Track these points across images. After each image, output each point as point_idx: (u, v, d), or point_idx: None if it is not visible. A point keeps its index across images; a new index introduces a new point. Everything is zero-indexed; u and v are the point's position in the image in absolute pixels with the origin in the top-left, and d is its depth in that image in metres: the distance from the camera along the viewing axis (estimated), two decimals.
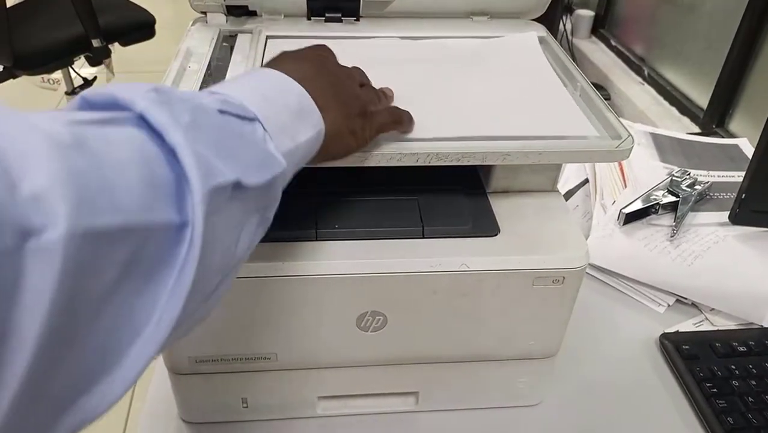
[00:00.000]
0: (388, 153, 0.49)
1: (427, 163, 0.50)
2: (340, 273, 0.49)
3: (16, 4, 2.07)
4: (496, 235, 0.53)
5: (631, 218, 0.82)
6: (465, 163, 0.51)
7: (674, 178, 0.86)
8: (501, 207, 0.55)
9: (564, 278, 0.52)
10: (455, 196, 0.56)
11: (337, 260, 0.50)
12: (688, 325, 0.73)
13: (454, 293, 0.51)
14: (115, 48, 2.04)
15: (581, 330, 0.71)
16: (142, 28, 2.06)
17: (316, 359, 0.55)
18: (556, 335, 0.56)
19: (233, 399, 0.58)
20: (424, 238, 0.52)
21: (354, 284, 0.50)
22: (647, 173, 0.91)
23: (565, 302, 0.54)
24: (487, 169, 0.56)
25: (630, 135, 0.51)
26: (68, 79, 2.20)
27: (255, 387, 0.57)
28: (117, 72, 2.14)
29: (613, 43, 2.40)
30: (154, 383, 0.63)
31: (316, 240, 0.51)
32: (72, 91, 2.20)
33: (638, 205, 0.82)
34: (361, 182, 0.54)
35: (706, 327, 0.73)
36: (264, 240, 0.50)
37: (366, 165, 0.49)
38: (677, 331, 0.72)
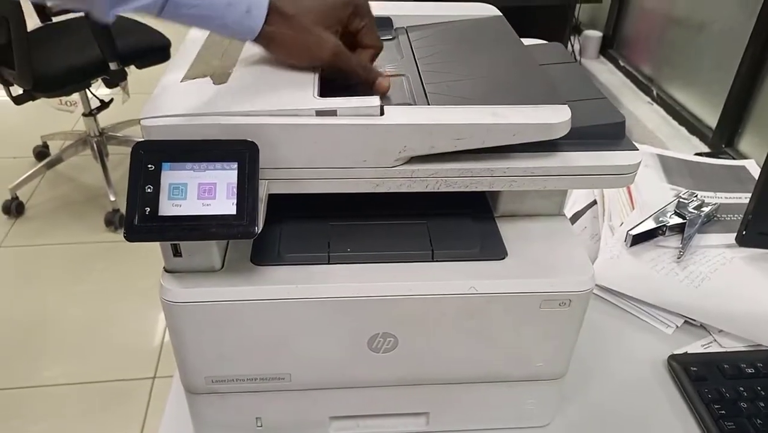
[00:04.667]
0: (398, 180, 0.51)
1: (435, 189, 0.52)
2: (351, 296, 0.51)
3: (36, 29, 2.13)
4: (503, 258, 0.54)
5: (639, 239, 0.83)
6: (472, 189, 0.52)
7: (681, 200, 0.87)
8: (508, 231, 0.57)
9: (570, 300, 0.53)
10: (464, 220, 0.57)
11: (349, 282, 0.51)
12: (696, 346, 0.74)
13: (462, 315, 0.52)
14: (131, 70, 2.08)
15: (590, 351, 0.72)
16: (157, 51, 2.11)
17: (329, 379, 0.56)
18: (563, 356, 0.57)
19: (248, 418, 0.59)
20: (433, 261, 0.53)
21: (365, 306, 0.51)
22: (655, 195, 0.92)
23: (571, 324, 0.55)
24: (495, 194, 0.58)
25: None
26: (85, 101, 2.24)
27: (269, 407, 0.59)
28: (132, 93, 2.18)
29: (622, 63, 2.42)
30: (170, 402, 0.64)
31: (329, 263, 0.52)
32: (89, 113, 2.25)
33: (646, 226, 0.83)
34: (371, 207, 0.56)
35: (714, 349, 0.74)
36: (278, 263, 0.52)
37: (377, 191, 0.51)
38: (685, 352, 0.72)
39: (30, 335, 1.73)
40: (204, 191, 0.45)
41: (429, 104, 0.54)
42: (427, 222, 0.56)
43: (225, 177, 0.46)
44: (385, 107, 0.50)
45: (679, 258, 0.80)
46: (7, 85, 1.99)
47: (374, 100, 0.48)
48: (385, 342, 0.53)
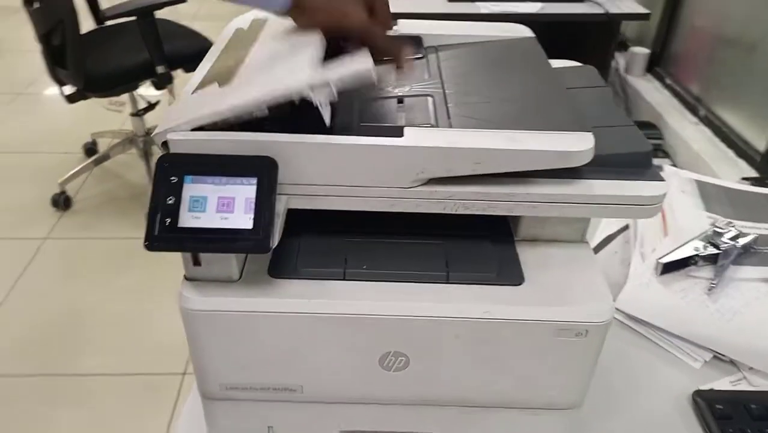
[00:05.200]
0: (415, 200, 0.51)
1: (453, 212, 0.52)
2: (364, 313, 0.51)
3: (90, 31, 2.22)
4: (520, 284, 0.53)
5: (670, 268, 0.80)
6: (490, 213, 0.52)
7: (717, 229, 0.84)
8: (528, 256, 0.56)
9: (587, 331, 0.52)
10: (482, 242, 0.57)
11: (363, 300, 0.51)
12: (724, 383, 0.71)
13: (475, 339, 0.52)
14: (178, 74, 2.14)
15: (611, 381, 0.70)
16: (204, 55, 2.16)
17: (340, 393, 0.57)
18: (578, 386, 0.56)
19: (260, 426, 0.60)
20: (448, 283, 0.53)
21: (378, 324, 0.51)
22: (690, 222, 0.89)
23: (588, 354, 0.54)
24: (516, 218, 0.57)
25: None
26: (133, 102, 2.32)
27: (281, 416, 0.59)
28: (178, 95, 2.24)
29: (669, 81, 2.36)
30: (187, 406, 0.66)
31: (344, 279, 0.53)
32: (136, 113, 2.32)
33: (677, 255, 0.81)
34: (390, 225, 0.56)
35: (744, 386, 0.71)
36: (293, 277, 0.53)
37: (392, 210, 0.51)
38: (712, 389, 0.70)
39: (70, 324, 1.79)
40: (223, 205, 0.46)
41: (451, 126, 0.54)
42: (445, 243, 0.56)
43: (244, 192, 0.47)
44: (405, 129, 0.50)
45: (710, 290, 0.78)
46: (61, 84, 2.08)
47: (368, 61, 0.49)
48: (397, 361, 0.53)
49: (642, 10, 2.07)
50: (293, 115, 0.54)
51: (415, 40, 0.70)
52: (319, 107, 0.48)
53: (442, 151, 0.48)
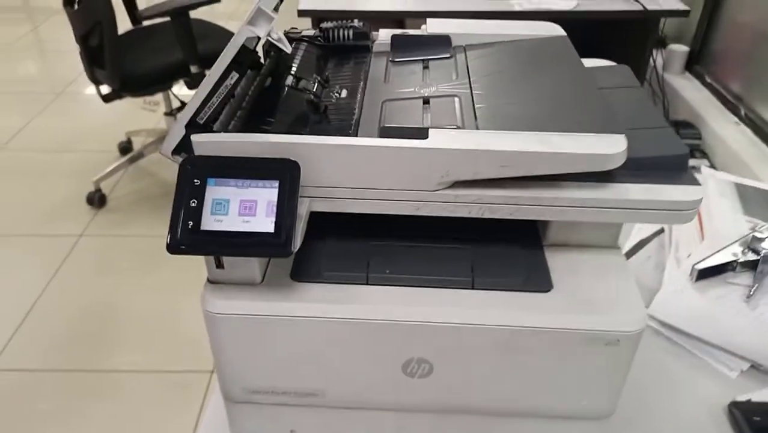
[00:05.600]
0: (440, 204, 0.50)
1: (478, 216, 0.51)
2: (387, 319, 0.50)
3: (126, 32, 2.25)
4: (548, 291, 0.52)
5: (706, 274, 0.78)
6: (518, 217, 0.51)
7: (756, 234, 0.81)
8: (557, 262, 0.55)
9: (619, 340, 0.50)
10: (510, 247, 0.56)
11: (386, 305, 0.51)
12: (762, 394, 0.68)
13: (501, 347, 0.51)
14: None
15: (643, 389, 0.68)
16: None
17: (362, 399, 0.56)
18: (609, 396, 0.55)
19: (282, 430, 0.60)
20: (473, 289, 0.52)
21: (401, 330, 0.51)
22: (728, 226, 0.86)
23: (619, 364, 0.52)
24: (545, 222, 0.56)
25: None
26: (167, 101, 2.35)
27: (303, 420, 0.59)
28: None
29: (708, 79, 2.28)
30: (210, 407, 0.66)
31: (367, 284, 0.52)
32: (170, 112, 2.35)
33: (714, 261, 0.78)
34: (414, 228, 0.55)
35: None
36: (315, 281, 0.52)
37: (417, 214, 0.50)
38: (749, 400, 0.67)
39: (103, 320, 1.83)
40: (245, 208, 0.46)
41: (478, 128, 0.53)
42: (470, 247, 0.55)
43: (266, 195, 0.46)
44: (430, 130, 0.49)
45: (749, 297, 0.75)
46: (98, 84, 2.12)
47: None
48: (420, 368, 0.53)
49: (682, 6, 2.01)
50: (314, 115, 0.54)
51: (444, 40, 0.68)
52: (272, 40, 0.49)
53: (467, 153, 0.47)
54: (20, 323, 1.80)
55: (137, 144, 2.58)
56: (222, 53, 0.48)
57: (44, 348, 1.73)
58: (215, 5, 2.08)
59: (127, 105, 2.26)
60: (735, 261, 0.78)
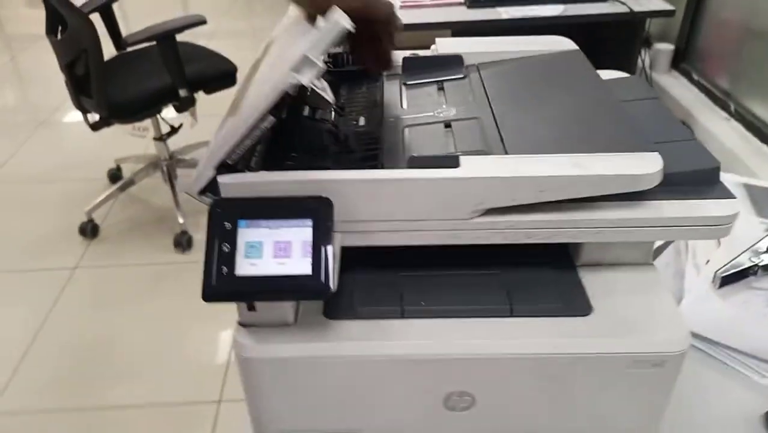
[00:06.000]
0: (475, 231, 0.49)
1: (514, 241, 0.49)
2: (426, 353, 0.49)
3: (111, 58, 2.23)
4: (588, 314, 0.51)
5: (728, 280, 0.77)
6: (554, 240, 0.50)
7: None
8: (592, 282, 0.54)
9: (664, 361, 0.49)
10: (542, 270, 0.55)
11: (423, 339, 0.49)
12: None
13: (544, 375, 0.50)
14: (199, 95, 2.14)
15: (674, 402, 0.67)
16: (225, 77, 2.16)
17: None
18: (653, 419, 0.54)
19: None
20: (512, 316, 0.51)
21: (440, 364, 0.49)
22: (743, 230, 0.86)
23: (664, 386, 0.51)
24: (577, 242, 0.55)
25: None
26: (156, 126, 2.32)
27: None
28: (200, 115, 2.25)
29: (696, 77, 2.31)
30: None
31: (402, 318, 0.51)
32: (160, 138, 2.33)
33: (736, 266, 0.77)
34: (443, 256, 0.54)
35: None
36: (351, 317, 0.51)
37: (454, 243, 0.49)
38: None
39: (102, 355, 1.79)
40: (279, 249, 0.45)
41: (506, 151, 0.52)
42: (503, 272, 0.54)
43: (300, 234, 0.45)
44: (461, 158, 0.48)
45: None
46: (85, 112, 2.09)
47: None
48: (462, 400, 0.51)
49: (667, 6, 2.03)
50: (334, 145, 0.53)
51: (456, 60, 0.68)
52: (315, 89, 0.46)
53: (503, 181, 0.46)
54: (18, 363, 1.75)
55: (127, 171, 2.54)
56: (258, 95, 0.46)
57: (45, 388, 1.69)
58: None
59: (115, 131, 2.23)
60: (756, 265, 0.77)
